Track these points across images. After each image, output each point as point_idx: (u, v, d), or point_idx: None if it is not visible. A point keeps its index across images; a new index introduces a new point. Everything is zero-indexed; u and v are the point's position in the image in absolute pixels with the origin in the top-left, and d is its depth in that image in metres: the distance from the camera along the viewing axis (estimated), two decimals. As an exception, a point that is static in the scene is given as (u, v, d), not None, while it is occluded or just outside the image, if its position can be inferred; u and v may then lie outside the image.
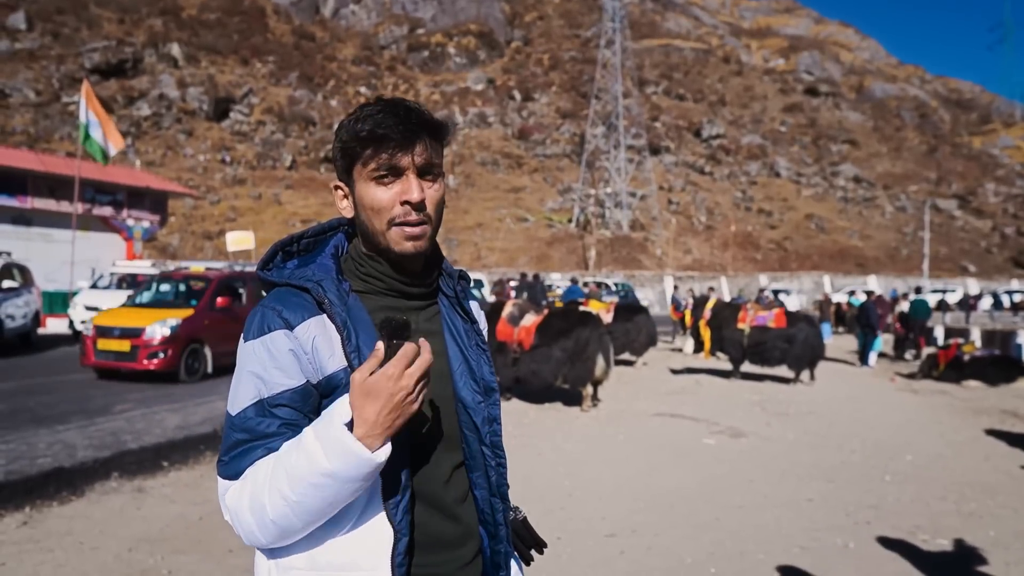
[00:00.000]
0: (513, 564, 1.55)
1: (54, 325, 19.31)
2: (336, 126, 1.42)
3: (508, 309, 10.71)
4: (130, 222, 25.56)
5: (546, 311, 10.96)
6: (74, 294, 19.22)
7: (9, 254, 15.51)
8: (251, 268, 25.62)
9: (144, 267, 20.19)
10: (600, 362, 10.22)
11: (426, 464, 1.33)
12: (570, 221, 62.11)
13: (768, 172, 76.18)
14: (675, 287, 30.92)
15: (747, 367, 14.25)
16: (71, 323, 17.88)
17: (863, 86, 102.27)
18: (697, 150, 77.17)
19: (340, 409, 1.20)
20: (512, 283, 32.65)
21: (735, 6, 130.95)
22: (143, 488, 5.91)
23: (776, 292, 36.41)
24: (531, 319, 10.50)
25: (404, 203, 1.32)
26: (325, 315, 1.31)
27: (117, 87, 61.47)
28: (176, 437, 7.32)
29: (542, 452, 7.57)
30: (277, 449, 1.24)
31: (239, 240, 19.58)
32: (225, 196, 55.57)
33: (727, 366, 14.61)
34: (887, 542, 5.02)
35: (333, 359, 1.29)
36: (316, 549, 1.25)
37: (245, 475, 1.25)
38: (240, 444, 1.26)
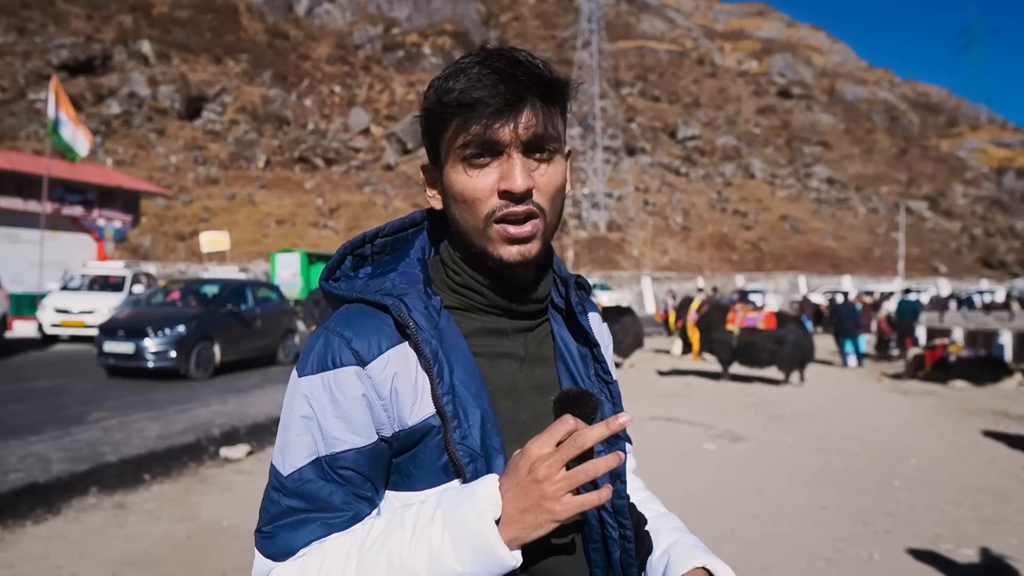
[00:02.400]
0: None
1: (22, 328, 18.67)
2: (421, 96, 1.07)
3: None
4: (101, 222, 24.88)
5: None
6: (43, 296, 18.61)
7: (-26, 255, 14.95)
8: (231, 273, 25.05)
9: (116, 268, 19.61)
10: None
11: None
12: (547, 222, 62.02)
13: (743, 173, 76.77)
14: (671, 292, 30.67)
15: (736, 368, 14.12)
16: (40, 326, 17.30)
17: (835, 89, 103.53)
18: (673, 151, 77.56)
19: (487, 493, 0.88)
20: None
21: (709, 9, 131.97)
22: (124, 504, 5.56)
23: (745, 293, 34.99)
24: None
25: (505, 193, 0.98)
26: (408, 343, 0.99)
27: (86, 84, 60.23)
28: (158, 448, 6.94)
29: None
30: (339, 527, 0.95)
31: (213, 241, 19.20)
32: (198, 196, 54.65)
33: (715, 367, 14.47)
34: (912, 553, 4.83)
35: (417, 405, 0.98)
36: None
37: (302, 556, 0.95)
38: (292, 513, 0.96)
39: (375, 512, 1.00)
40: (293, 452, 0.97)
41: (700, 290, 24.12)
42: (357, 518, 0.97)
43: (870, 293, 23.94)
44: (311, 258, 29.84)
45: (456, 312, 1.06)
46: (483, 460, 0.97)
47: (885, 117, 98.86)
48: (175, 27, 72.90)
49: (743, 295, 32.75)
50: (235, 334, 12.66)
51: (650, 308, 40.92)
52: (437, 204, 1.08)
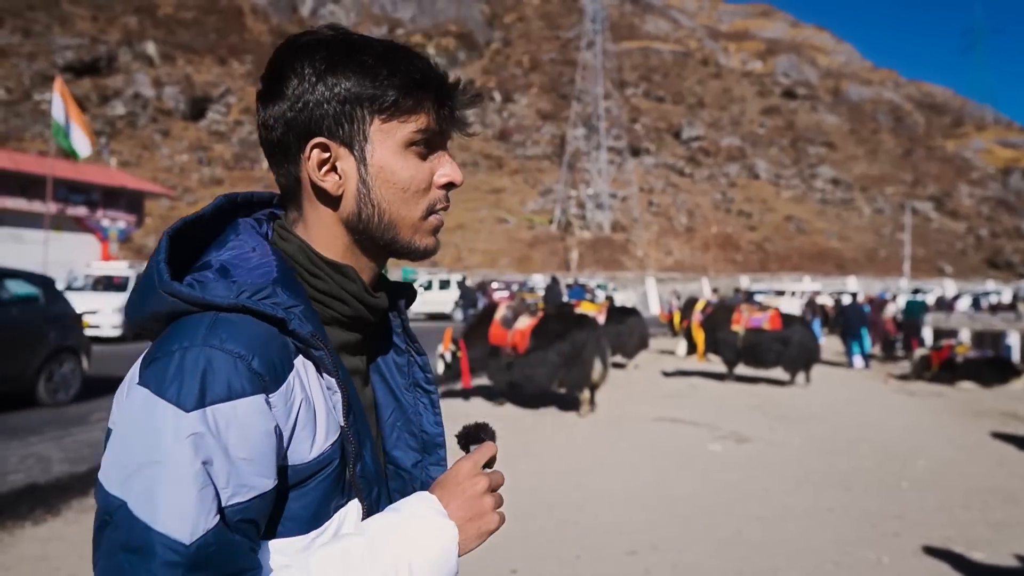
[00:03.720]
0: None
1: (26, 329, 18.64)
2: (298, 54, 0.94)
3: (501, 312, 10.38)
4: (105, 222, 24.92)
5: (541, 313, 10.65)
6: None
7: (-22, 255, 14.92)
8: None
9: (120, 269, 19.60)
10: (597, 365, 9.93)
11: None
12: (551, 222, 61.95)
13: (747, 174, 76.61)
14: (675, 292, 30.55)
15: (741, 369, 14.03)
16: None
17: (839, 89, 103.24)
18: (677, 152, 77.45)
19: (437, 510, 0.87)
20: (495, 285, 32.39)
21: (713, 9, 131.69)
22: (125, 504, 5.51)
23: (750, 294, 34.16)
24: (525, 322, 10.17)
25: (449, 185, 0.97)
26: (299, 362, 0.86)
27: (91, 85, 60.36)
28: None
29: (545, 461, 7.25)
30: None
31: None
32: (202, 197, 54.72)
33: (720, 368, 14.38)
34: (922, 556, 4.76)
35: (318, 435, 0.86)
36: None
37: None
38: None
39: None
40: (194, 512, 0.75)
41: (716, 291, 24.05)
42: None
43: (895, 295, 23.41)
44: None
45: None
46: (377, 487, 0.94)
47: (890, 117, 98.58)
48: (180, 28, 73.02)
49: (748, 295, 32.53)
50: None
51: (655, 309, 40.82)
52: (335, 190, 0.93)
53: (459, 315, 28.56)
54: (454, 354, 10.46)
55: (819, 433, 8.99)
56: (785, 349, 13.11)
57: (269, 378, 0.81)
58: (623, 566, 4.49)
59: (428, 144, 0.95)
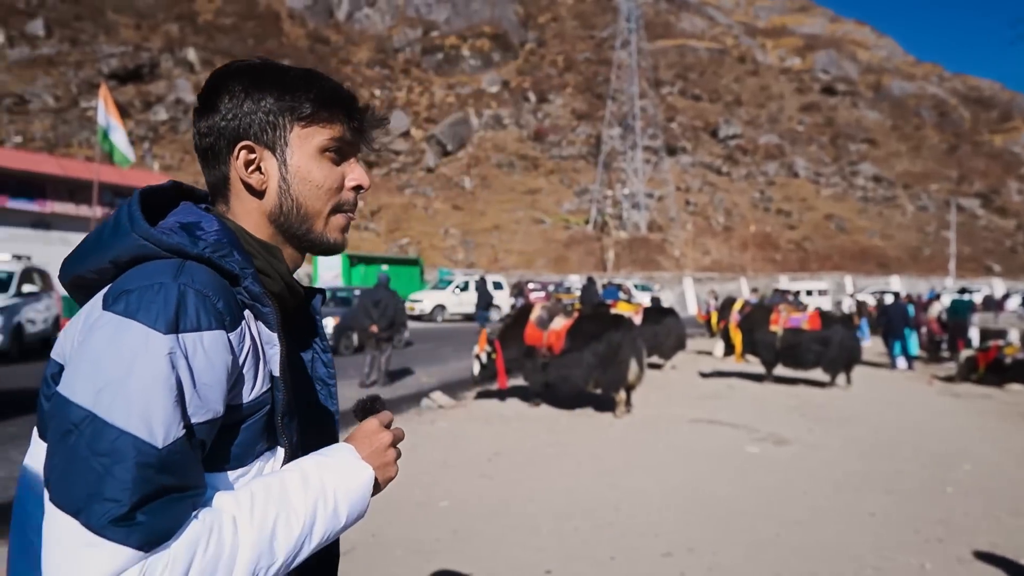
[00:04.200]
0: None
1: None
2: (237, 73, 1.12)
3: (536, 312, 10.39)
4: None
5: (576, 314, 10.63)
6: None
7: (29, 258, 15.37)
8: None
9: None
10: (633, 366, 9.88)
11: None
12: (587, 222, 61.74)
13: (786, 172, 75.44)
14: (712, 292, 30.04)
15: (779, 370, 13.84)
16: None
17: (881, 84, 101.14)
18: (714, 150, 76.59)
19: (355, 453, 1.07)
20: (531, 286, 32.37)
21: (750, 5, 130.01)
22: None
23: (794, 293, 33.73)
24: (561, 322, 10.17)
25: (358, 187, 1.16)
26: (249, 316, 1.00)
27: (134, 92, 61.72)
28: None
29: (581, 461, 7.24)
30: (200, 505, 0.90)
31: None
32: (242, 200, 55.60)
33: (758, 369, 14.21)
34: (967, 562, 4.65)
35: (255, 380, 1.00)
36: None
37: (179, 540, 0.85)
38: (166, 492, 0.85)
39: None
40: (166, 419, 0.86)
41: (755, 291, 23.76)
42: (205, 495, 0.92)
43: (938, 295, 22.63)
44: (352, 260, 30.17)
45: None
46: (296, 438, 1.06)
47: (934, 112, 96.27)
48: (219, 34, 74.31)
49: (786, 295, 32.04)
50: None
51: (692, 309, 40.43)
52: (259, 185, 1.09)
53: (495, 315, 28.59)
54: (490, 355, 10.50)
55: (860, 435, 8.82)
56: (825, 350, 12.89)
57: (229, 319, 0.94)
58: (658, 568, 4.46)
59: (340, 152, 1.13)
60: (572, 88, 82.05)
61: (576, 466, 7.03)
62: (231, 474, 0.98)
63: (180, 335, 0.89)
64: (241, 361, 0.97)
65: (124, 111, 37.22)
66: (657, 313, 16.01)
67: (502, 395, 11.02)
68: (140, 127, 55.51)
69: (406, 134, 71.71)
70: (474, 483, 6.39)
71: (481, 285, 23.56)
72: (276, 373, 1.02)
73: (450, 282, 32.21)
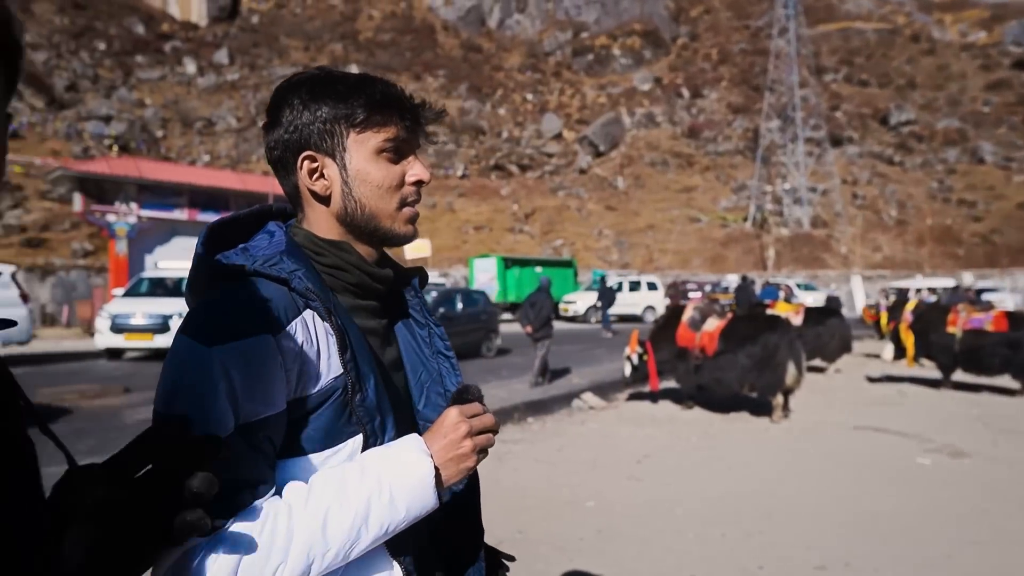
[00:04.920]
0: None
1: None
2: (294, 91, 1.19)
3: (689, 313, 10.20)
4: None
5: (730, 315, 10.33)
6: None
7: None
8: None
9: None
10: (791, 369, 9.47)
11: None
12: (745, 220, 59.55)
13: (969, 158, 69.08)
14: (884, 291, 28.04)
15: (959, 376, 12.74)
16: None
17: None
18: (884, 139, 71.49)
19: (420, 449, 1.08)
20: (688, 286, 31.67)
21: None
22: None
23: (976, 292, 30.92)
24: (714, 323, 9.93)
25: (419, 182, 1.22)
26: (307, 313, 1.08)
27: (305, 109, 66.24)
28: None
29: (732, 467, 7.04)
30: (262, 496, 1.00)
31: (416, 248, 20.20)
32: (402, 206, 58.22)
33: (934, 374, 13.16)
34: None
35: (321, 371, 1.08)
36: None
37: (236, 530, 0.95)
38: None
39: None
40: (216, 420, 0.96)
41: (934, 290, 22.02)
42: (272, 487, 1.02)
43: None
44: (507, 262, 30.80)
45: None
46: (380, 419, 1.12)
47: None
48: (379, 50, 78.32)
49: (967, 293, 29.38)
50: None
51: (860, 309, 37.97)
52: (324, 191, 1.19)
53: (648, 317, 28.24)
54: (641, 356, 10.41)
55: (1054, 449, 7.98)
56: (1014, 354, 11.72)
57: (275, 324, 1.03)
58: (812, 582, 4.28)
59: (397, 151, 1.19)
60: (727, 81, 79.45)
61: (727, 471, 6.85)
62: (318, 456, 1.07)
63: (225, 345, 0.98)
64: (296, 357, 1.04)
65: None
66: (820, 313, 15.20)
67: (654, 397, 10.91)
68: (311, 141, 59.42)
69: (558, 136, 72.30)
70: (621, 484, 6.39)
71: (603, 285, 23.64)
72: (338, 360, 1.09)
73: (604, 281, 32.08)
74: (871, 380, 13.74)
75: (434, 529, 1.20)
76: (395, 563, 1.10)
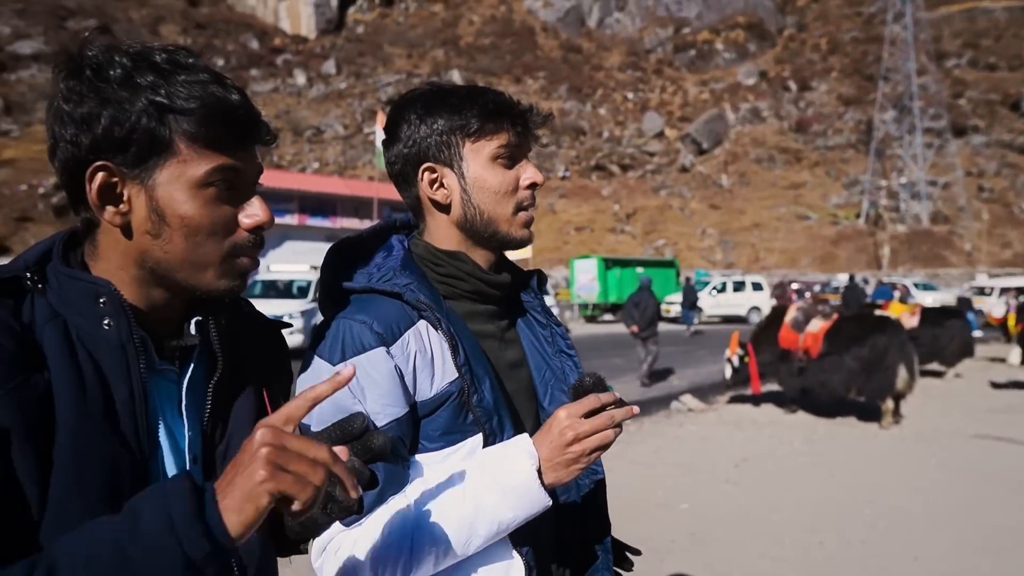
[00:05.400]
0: None
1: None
2: (409, 105, 1.27)
3: (792, 314, 9.88)
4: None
5: (836, 316, 9.93)
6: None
7: (323, 270, 17.67)
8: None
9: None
10: (902, 373, 9.02)
11: None
12: (858, 216, 56.95)
13: (1117, 144, 63.56)
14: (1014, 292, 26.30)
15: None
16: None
17: None
18: (1015, 126, 66.63)
19: (527, 450, 1.10)
20: (795, 286, 30.59)
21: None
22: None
23: None
24: (818, 324, 9.57)
25: (532, 185, 1.26)
26: (421, 324, 1.17)
27: (409, 115, 67.99)
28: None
29: (835, 473, 6.79)
30: (389, 493, 1.10)
31: (518, 250, 20.52)
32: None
33: (1068, 379, 12.22)
34: None
35: (436, 376, 1.16)
36: None
37: (368, 522, 1.08)
38: None
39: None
40: None
41: None
42: (401, 484, 1.11)
43: None
44: (608, 263, 30.62)
45: (445, 300, 1.24)
46: (497, 418, 1.18)
47: None
48: (480, 54, 79.47)
49: None
50: None
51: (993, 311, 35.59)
52: (444, 200, 1.24)
53: (753, 318, 27.51)
54: (742, 358, 10.16)
55: None
56: None
57: (388, 336, 1.12)
58: (917, 594, 4.09)
59: (511, 156, 1.24)
60: (838, 72, 76.19)
61: (830, 477, 6.60)
62: (439, 454, 1.15)
63: (345, 361, 1.10)
64: (411, 365, 1.14)
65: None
66: (939, 314, 14.36)
67: (756, 400, 10.63)
68: (414, 147, 60.94)
69: (660, 135, 71.32)
70: (718, 488, 6.28)
71: (685, 285, 23.30)
72: (452, 365, 1.16)
73: (707, 283, 31.46)
74: (995, 386, 12.87)
75: (561, 522, 1.26)
76: (515, 553, 1.15)
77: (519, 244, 1.27)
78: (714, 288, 30.41)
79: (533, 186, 1.26)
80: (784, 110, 72.35)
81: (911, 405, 9.92)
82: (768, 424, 9.31)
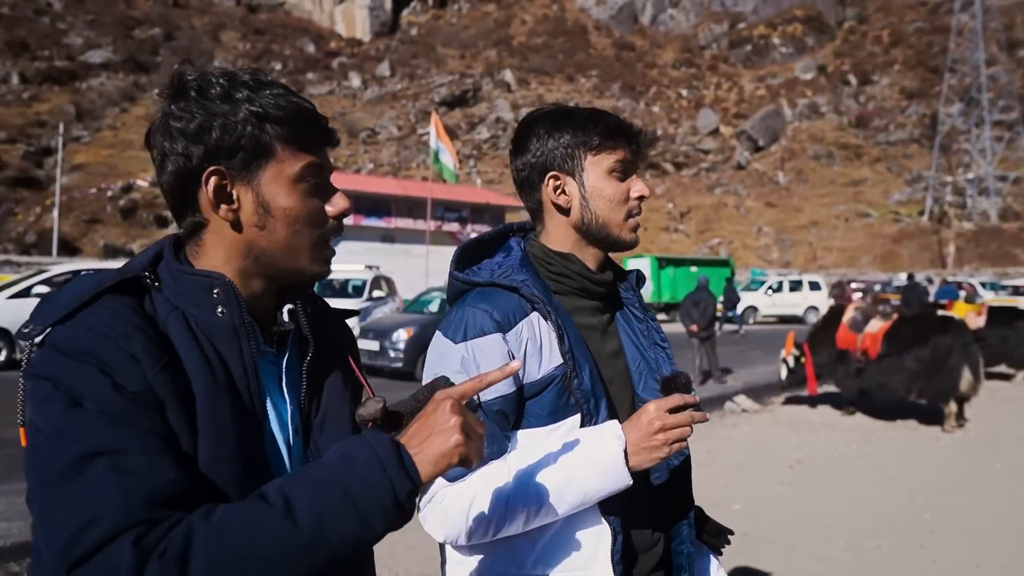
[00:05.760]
0: (712, 559, 1.59)
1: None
2: (537, 123, 1.46)
3: (850, 314, 9.67)
4: (474, 236, 28.28)
5: (896, 315, 9.68)
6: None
7: (377, 268, 17.93)
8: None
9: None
10: (966, 375, 8.75)
11: None
12: (921, 214, 55.25)
13: None
14: None
15: None
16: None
17: None
18: (1091, 118, 63.80)
19: (616, 433, 1.26)
20: (854, 285, 29.85)
21: None
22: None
23: None
24: (877, 325, 9.35)
25: (640, 197, 1.44)
26: (534, 315, 1.34)
27: (460, 116, 68.45)
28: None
29: (894, 476, 6.63)
30: (490, 458, 1.24)
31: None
32: (555, 208, 58.72)
33: None
34: None
35: (543, 361, 1.32)
36: (524, 551, 1.30)
37: (464, 482, 1.24)
38: None
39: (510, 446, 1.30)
40: None
41: None
42: (501, 451, 1.26)
43: None
44: (661, 262, 30.33)
45: (555, 295, 1.40)
46: (594, 401, 1.33)
47: None
48: (532, 54, 79.47)
49: None
50: None
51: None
52: (566, 204, 1.42)
53: (810, 318, 26.95)
54: (798, 359, 9.97)
55: None
56: None
57: (504, 323, 1.31)
58: (978, 601, 3.98)
59: (624, 170, 1.43)
60: (900, 64, 73.97)
61: (888, 481, 6.45)
62: (541, 430, 1.32)
63: (467, 342, 1.30)
64: (522, 351, 1.31)
65: (452, 133, 41.62)
66: (1008, 314, 13.84)
67: (812, 401, 10.43)
68: (466, 147, 61.39)
69: (715, 132, 70.33)
70: (772, 489, 6.20)
71: (728, 285, 22.90)
72: (558, 352, 1.32)
73: (762, 283, 30.92)
74: (1067, 388, 12.39)
75: (650, 496, 1.43)
76: (603, 521, 1.31)
77: (628, 246, 1.45)
78: (769, 287, 29.86)
79: (641, 198, 1.44)
80: (843, 105, 70.60)
81: (976, 408, 9.62)
82: (824, 426, 9.14)
